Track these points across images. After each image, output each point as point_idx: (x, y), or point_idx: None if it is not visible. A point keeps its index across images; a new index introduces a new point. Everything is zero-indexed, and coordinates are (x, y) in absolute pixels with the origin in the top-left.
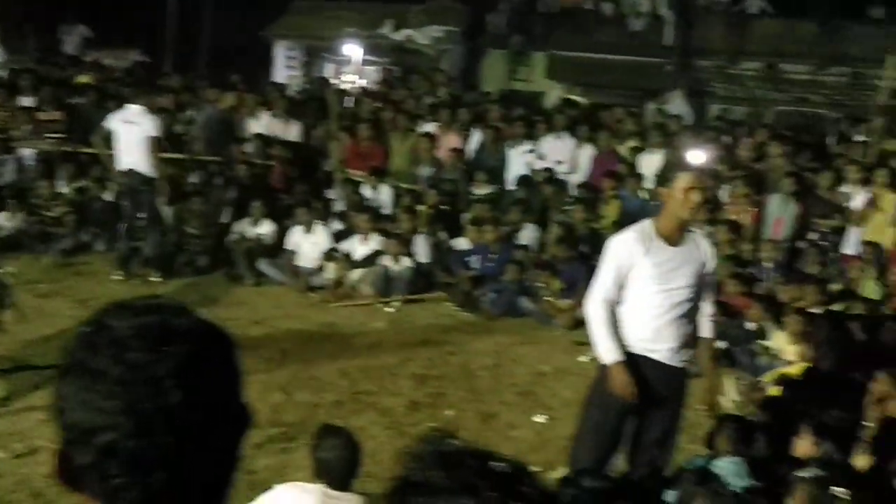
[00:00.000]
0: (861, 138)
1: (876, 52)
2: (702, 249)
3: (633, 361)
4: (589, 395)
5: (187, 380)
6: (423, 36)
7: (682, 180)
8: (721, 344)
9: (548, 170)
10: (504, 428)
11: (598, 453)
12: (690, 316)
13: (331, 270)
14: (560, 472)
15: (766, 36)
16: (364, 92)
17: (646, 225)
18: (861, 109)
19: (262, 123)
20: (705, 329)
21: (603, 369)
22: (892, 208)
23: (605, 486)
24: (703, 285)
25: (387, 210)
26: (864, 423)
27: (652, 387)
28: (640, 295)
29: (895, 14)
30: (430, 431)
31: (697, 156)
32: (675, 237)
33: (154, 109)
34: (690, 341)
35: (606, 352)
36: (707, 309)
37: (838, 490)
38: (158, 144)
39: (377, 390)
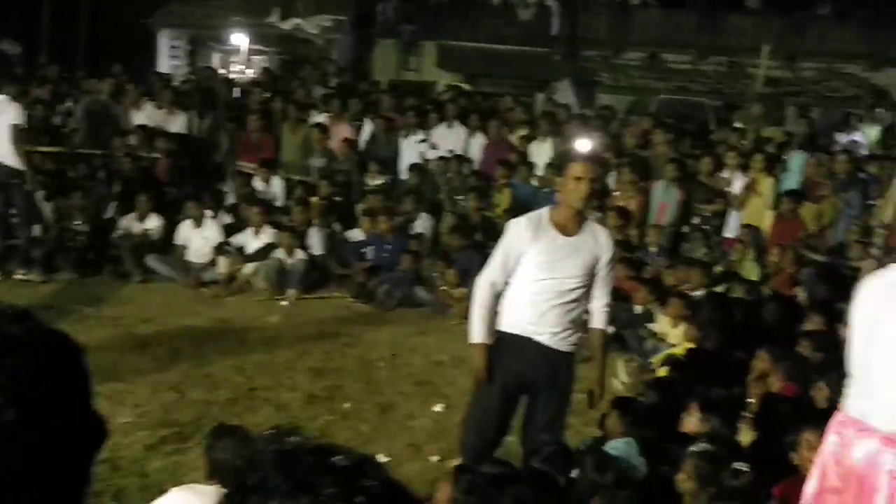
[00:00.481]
0: (738, 125)
1: (752, 41)
2: (599, 240)
3: (517, 342)
4: (475, 382)
5: (23, 395)
6: (312, 25)
7: (570, 170)
8: (611, 328)
9: (443, 158)
10: (402, 418)
11: (486, 438)
12: (579, 304)
13: (223, 265)
14: (456, 460)
15: (648, 27)
16: (252, 82)
17: (542, 213)
18: (739, 97)
19: (145, 115)
20: (598, 319)
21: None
22: (769, 192)
23: (501, 471)
24: (596, 275)
25: (279, 202)
26: (747, 399)
27: (536, 368)
28: (526, 280)
29: (770, 4)
30: (271, 430)
31: (585, 144)
32: (569, 226)
33: (26, 99)
34: (578, 328)
35: (474, 332)
36: (601, 299)
37: (738, 464)
38: (23, 134)
39: (273, 386)
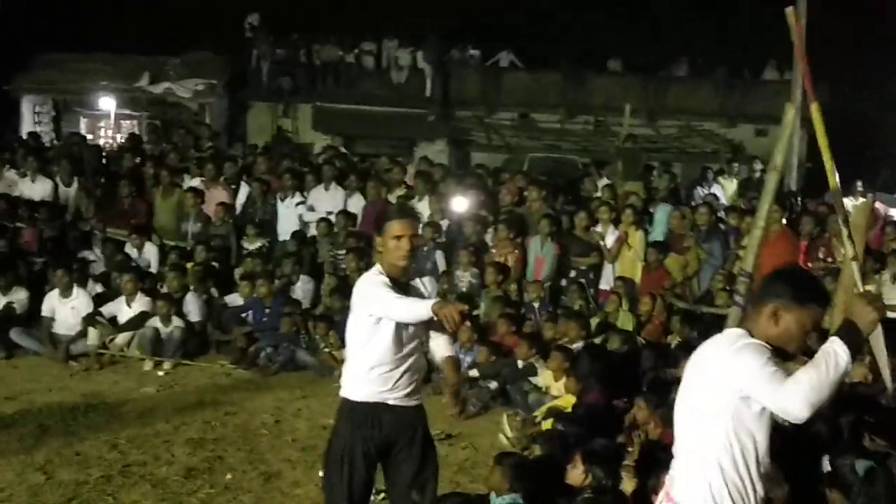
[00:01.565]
0: (605, 181)
1: (615, 101)
2: (427, 291)
3: (371, 409)
4: (330, 440)
5: None
6: (184, 89)
7: (390, 229)
8: (493, 383)
9: (324, 220)
10: (288, 487)
11: (348, 500)
12: (422, 355)
13: (93, 336)
14: None
15: (517, 88)
16: (121, 147)
17: (375, 272)
18: (604, 154)
19: (6, 183)
20: (443, 350)
21: (340, 412)
22: (639, 245)
23: None
24: (431, 324)
25: (153, 269)
26: (627, 447)
27: (392, 430)
28: (379, 343)
29: (631, 66)
30: None
31: (461, 202)
32: (401, 284)
33: None
34: (422, 378)
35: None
36: (439, 336)
37: None
38: None
39: (149, 461)
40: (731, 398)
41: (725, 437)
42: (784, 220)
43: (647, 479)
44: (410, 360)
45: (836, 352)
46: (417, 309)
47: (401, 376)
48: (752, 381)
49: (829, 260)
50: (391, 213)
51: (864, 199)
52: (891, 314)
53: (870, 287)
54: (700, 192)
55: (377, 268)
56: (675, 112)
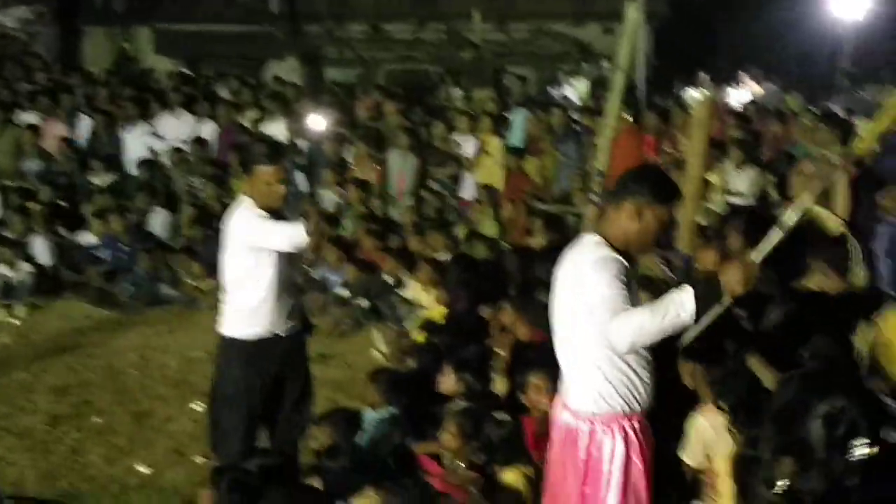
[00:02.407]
0: (460, 91)
1: (465, 7)
2: (294, 216)
3: (265, 345)
4: (218, 380)
5: None
6: (10, 18)
7: (262, 174)
8: (364, 301)
9: (175, 148)
10: (161, 423)
11: (244, 434)
12: (297, 280)
13: None
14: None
15: None
16: None
17: (248, 207)
18: (458, 63)
19: None
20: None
21: (227, 352)
22: (498, 152)
23: (271, 462)
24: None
25: None
26: (497, 351)
27: (285, 359)
28: (263, 277)
29: None
30: None
31: (317, 120)
32: (274, 215)
33: None
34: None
35: None
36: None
37: (498, 414)
38: None
39: (12, 412)
40: (589, 309)
41: (597, 340)
42: (631, 117)
43: (518, 379)
44: (294, 289)
45: (682, 304)
46: (295, 235)
47: (291, 305)
48: (598, 303)
49: (675, 152)
50: (258, 156)
51: (706, 93)
52: (734, 200)
53: (713, 177)
54: (554, 94)
55: (249, 202)
56: (524, 15)
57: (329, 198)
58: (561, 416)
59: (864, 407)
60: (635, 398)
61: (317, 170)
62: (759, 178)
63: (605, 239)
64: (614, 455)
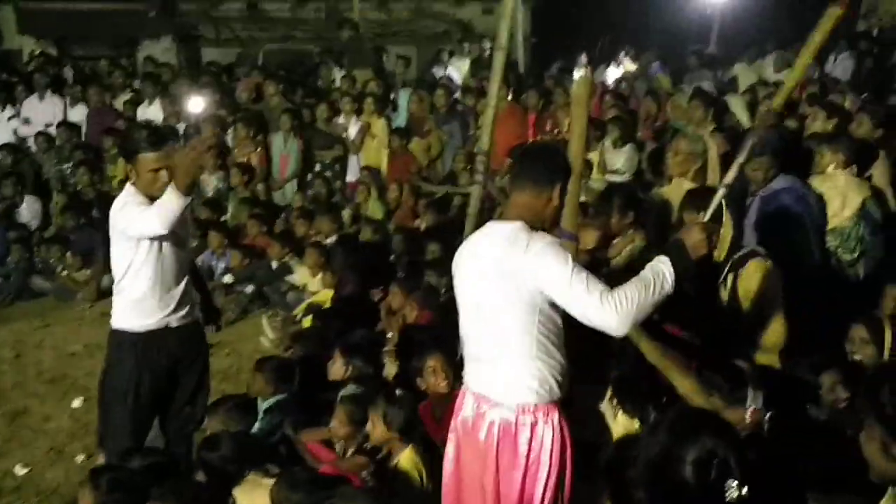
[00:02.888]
0: (343, 72)
1: None
2: None
3: (156, 337)
4: (107, 373)
5: None
6: None
7: (146, 161)
8: (250, 287)
9: (42, 133)
10: (38, 422)
11: (134, 429)
12: (186, 268)
13: None
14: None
15: None
16: None
17: (129, 195)
18: (339, 43)
19: None
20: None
21: (116, 344)
22: (382, 133)
23: (157, 461)
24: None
25: None
26: (387, 334)
27: (179, 351)
28: (149, 265)
29: None
30: None
31: (196, 103)
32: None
33: None
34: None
35: None
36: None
37: (399, 392)
38: None
39: None
40: (531, 297)
41: (535, 329)
42: (510, 97)
43: (409, 362)
44: (185, 277)
45: (664, 274)
46: (171, 204)
47: (181, 295)
48: (561, 291)
49: (556, 132)
50: (139, 142)
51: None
52: (613, 178)
53: (593, 155)
54: (436, 74)
55: (132, 189)
56: None
57: (211, 183)
58: (485, 412)
59: (733, 446)
60: (563, 385)
61: None
62: (636, 155)
63: (525, 223)
64: (554, 443)
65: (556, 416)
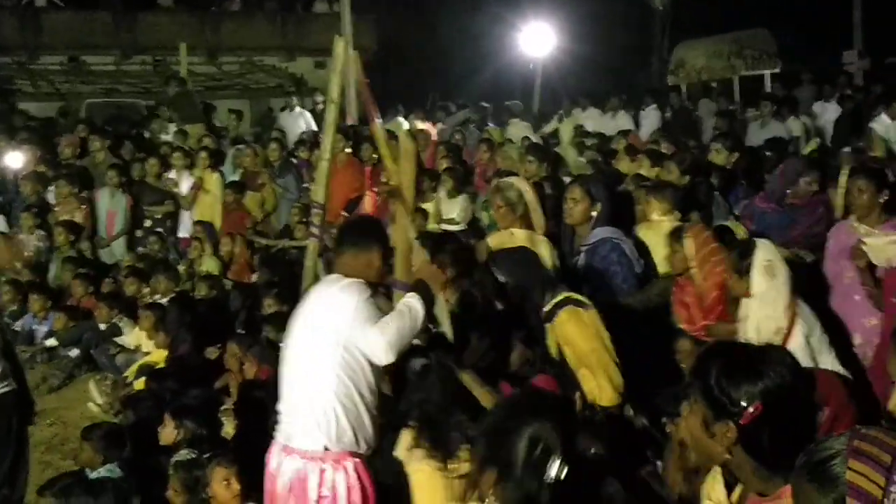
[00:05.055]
0: (175, 126)
1: (171, 39)
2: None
3: None
4: None
5: None
6: None
7: None
8: (75, 350)
9: None
10: None
11: None
12: None
13: None
14: None
15: (61, 29)
16: None
17: None
18: (166, 96)
19: None
20: None
21: None
22: (216, 187)
23: None
24: None
25: None
26: (226, 395)
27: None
28: None
29: (183, 2)
30: None
31: (14, 158)
32: None
33: None
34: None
35: None
36: None
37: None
38: None
39: None
40: (336, 339)
41: (337, 376)
42: (349, 149)
43: (247, 420)
44: None
45: (415, 307)
46: None
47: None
48: (349, 325)
49: (390, 183)
50: None
51: (407, 124)
52: (449, 227)
53: (428, 205)
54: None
55: None
56: (234, 48)
57: (31, 242)
58: (282, 462)
59: (565, 433)
60: (365, 438)
61: (14, 212)
62: (470, 205)
63: (351, 279)
64: (351, 491)
65: (350, 463)
